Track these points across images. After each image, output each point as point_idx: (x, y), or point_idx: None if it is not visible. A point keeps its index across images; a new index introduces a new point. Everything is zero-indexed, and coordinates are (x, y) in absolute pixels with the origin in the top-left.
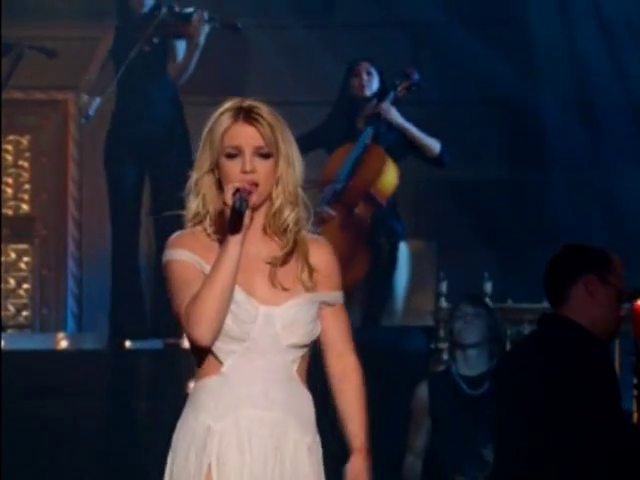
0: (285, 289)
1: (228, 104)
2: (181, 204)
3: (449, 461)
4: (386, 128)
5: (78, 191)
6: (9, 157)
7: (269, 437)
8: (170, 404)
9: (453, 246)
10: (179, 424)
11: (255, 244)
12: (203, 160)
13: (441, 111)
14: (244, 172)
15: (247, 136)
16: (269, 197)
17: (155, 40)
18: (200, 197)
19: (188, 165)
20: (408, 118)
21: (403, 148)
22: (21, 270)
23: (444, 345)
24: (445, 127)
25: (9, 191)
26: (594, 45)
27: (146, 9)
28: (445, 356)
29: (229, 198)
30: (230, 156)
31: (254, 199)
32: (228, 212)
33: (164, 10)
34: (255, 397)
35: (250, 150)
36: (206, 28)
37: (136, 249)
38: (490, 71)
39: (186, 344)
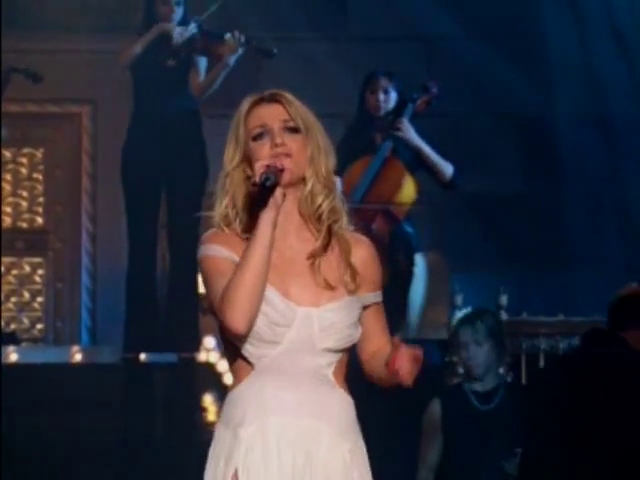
0: (326, 288)
1: (252, 95)
2: (197, 220)
3: (461, 476)
4: (405, 141)
5: (92, 204)
6: (24, 170)
7: (300, 443)
8: (184, 418)
9: (468, 259)
10: (214, 437)
11: (289, 241)
12: (231, 154)
13: (457, 125)
14: (275, 146)
15: (272, 113)
16: (302, 178)
17: (182, 55)
18: (229, 196)
19: (204, 180)
20: (424, 132)
21: (419, 165)
22: (35, 283)
23: (457, 358)
24: (461, 141)
25: (23, 204)
26: (610, 59)
27: (175, 22)
28: (460, 369)
29: (258, 175)
30: (258, 137)
31: (287, 175)
32: (256, 192)
33: (193, 26)
34: (284, 403)
35: (278, 125)
36: (240, 50)
37: (153, 263)
38: (506, 85)
39: (201, 357)
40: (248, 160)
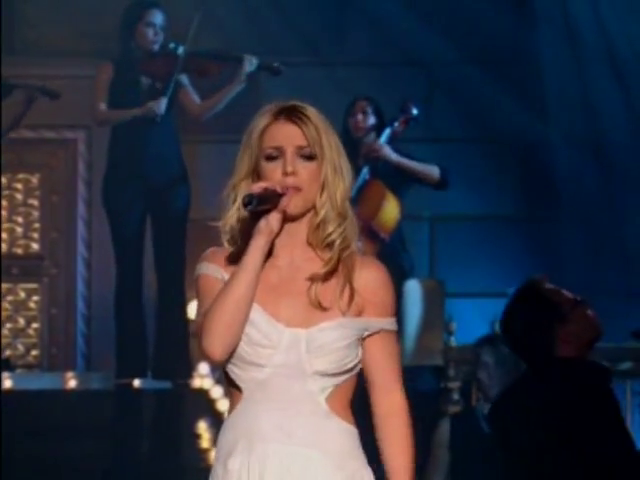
0: (319, 309)
1: (270, 105)
2: (182, 242)
3: None
4: (383, 163)
5: (87, 230)
6: (19, 196)
7: (287, 472)
8: (177, 444)
9: (463, 284)
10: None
11: (292, 260)
12: (241, 165)
13: (454, 150)
14: (285, 174)
15: (289, 135)
16: (313, 206)
17: (166, 78)
18: (235, 208)
19: (187, 205)
20: (418, 155)
21: (404, 180)
22: (30, 309)
23: (454, 384)
24: (457, 166)
25: (19, 230)
26: (606, 85)
27: (157, 46)
28: (456, 396)
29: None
30: (270, 158)
31: (286, 202)
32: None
33: (180, 50)
34: (271, 430)
35: (292, 150)
36: (252, 72)
37: (139, 288)
38: (503, 110)
39: (196, 383)
40: (257, 174)
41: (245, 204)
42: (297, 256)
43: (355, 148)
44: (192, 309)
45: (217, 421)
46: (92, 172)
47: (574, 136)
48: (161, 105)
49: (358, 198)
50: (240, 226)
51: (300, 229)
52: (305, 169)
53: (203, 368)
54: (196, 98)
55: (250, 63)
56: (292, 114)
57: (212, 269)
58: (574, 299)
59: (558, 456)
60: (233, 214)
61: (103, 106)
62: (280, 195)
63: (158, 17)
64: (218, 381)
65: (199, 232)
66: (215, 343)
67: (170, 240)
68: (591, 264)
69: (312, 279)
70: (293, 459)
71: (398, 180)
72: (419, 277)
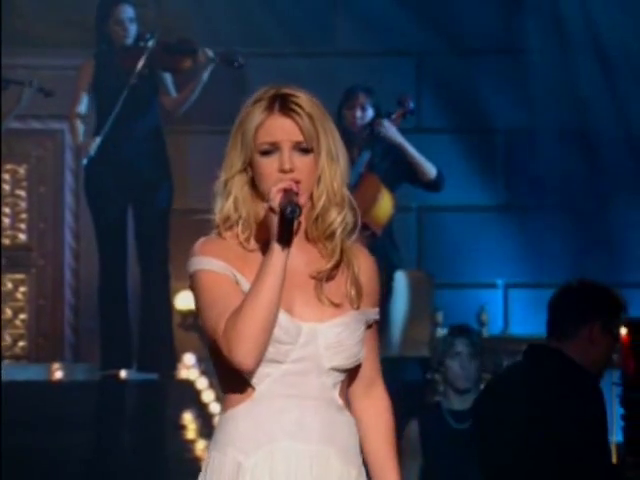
0: (333, 305)
1: (261, 92)
2: (165, 233)
3: None
4: (381, 154)
5: (75, 221)
6: (6, 186)
7: (309, 469)
8: (162, 435)
9: (449, 275)
10: (204, 463)
11: (296, 253)
12: (234, 158)
13: (440, 139)
14: (283, 171)
15: (284, 130)
16: (310, 198)
17: (145, 72)
18: (231, 200)
19: (170, 195)
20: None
21: (398, 176)
22: (18, 300)
23: (439, 376)
24: (444, 155)
25: (6, 221)
26: (592, 75)
27: (130, 40)
28: (441, 387)
29: (277, 203)
30: (265, 153)
31: (302, 201)
32: (275, 219)
33: (151, 42)
34: (290, 427)
35: (288, 146)
36: (211, 65)
37: (123, 279)
38: (488, 101)
39: (182, 374)
40: (252, 167)
41: (288, 214)
42: (300, 251)
43: (348, 138)
44: (181, 301)
45: (202, 412)
46: (79, 163)
47: (560, 127)
48: (93, 146)
49: (353, 191)
50: (254, 216)
51: (300, 228)
52: (302, 163)
53: (188, 359)
54: (172, 92)
55: (206, 56)
56: (286, 106)
57: (218, 266)
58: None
59: (537, 450)
60: (248, 203)
61: (80, 108)
62: (297, 194)
63: (126, 12)
64: (204, 372)
65: (184, 223)
66: (249, 353)
67: (153, 231)
68: (577, 253)
69: (318, 276)
70: (314, 457)
71: (393, 175)
72: (406, 268)
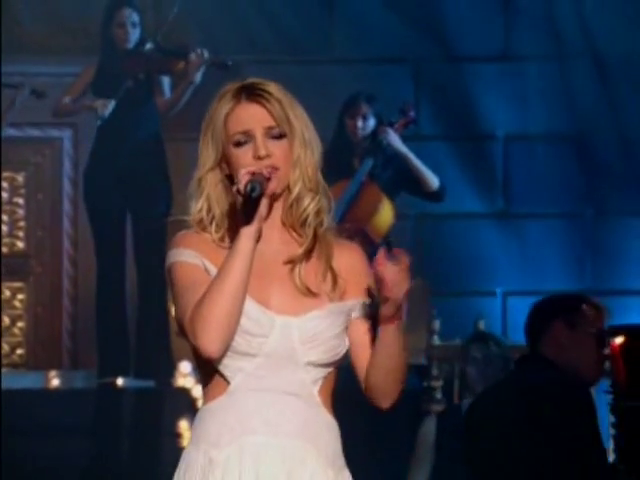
0: (308, 295)
1: (228, 86)
2: (163, 240)
3: None
4: (383, 163)
5: (73, 228)
6: (4, 194)
7: (281, 463)
8: (158, 443)
9: (448, 284)
10: (181, 459)
11: (271, 243)
12: (206, 155)
13: (439, 147)
14: (259, 158)
15: (254, 117)
16: (286, 185)
17: (141, 76)
18: (204, 198)
19: (169, 203)
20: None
21: (399, 185)
22: (16, 308)
23: (437, 383)
24: (442, 163)
25: (4, 228)
26: (586, 79)
27: (131, 45)
28: (438, 395)
29: (243, 184)
30: (239, 144)
31: (273, 185)
32: (240, 202)
33: (149, 46)
34: (264, 421)
35: (261, 132)
36: (203, 67)
37: (121, 287)
38: (486, 107)
39: (179, 382)
40: (226, 161)
41: (249, 192)
42: (276, 239)
43: (350, 147)
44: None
45: None
46: (78, 170)
47: (558, 134)
48: (107, 107)
49: (354, 200)
50: (227, 212)
51: (275, 210)
52: (277, 148)
53: (184, 367)
54: (167, 95)
55: (199, 57)
56: (253, 93)
57: (189, 255)
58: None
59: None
60: (222, 201)
61: (67, 99)
62: (268, 179)
63: (128, 15)
64: (198, 375)
65: (183, 229)
66: (213, 338)
67: (150, 238)
68: (576, 260)
69: (292, 261)
70: (288, 454)
71: (394, 184)
72: None
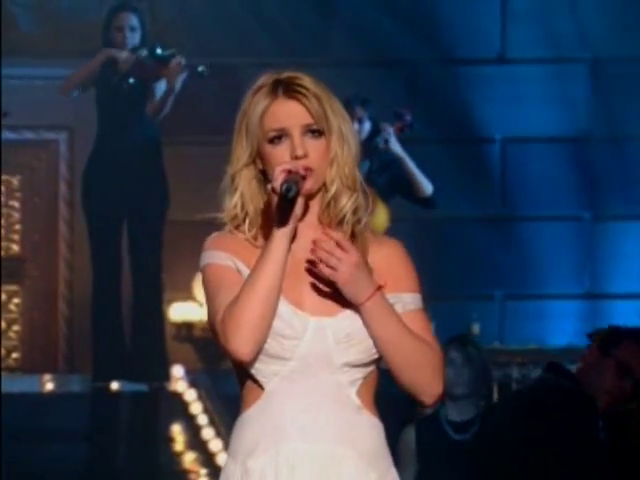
0: (341, 294)
1: (262, 79)
2: (159, 244)
3: None
4: (379, 167)
5: (69, 231)
6: None
7: (318, 472)
8: (152, 447)
9: (444, 288)
10: (221, 473)
11: (306, 242)
12: (240, 151)
13: (434, 150)
14: (295, 158)
15: (292, 114)
16: (323, 183)
17: (130, 80)
18: (238, 195)
19: (165, 207)
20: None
21: (394, 190)
22: (11, 312)
23: None
24: (437, 165)
25: None
26: (585, 85)
27: (128, 48)
28: None
29: (279, 183)
30: (274, 141)
31: (309, 185)
32: (275, 200)
33: (144, 52)
34: (301, 427)
35: (298, 130)
36: (184, 74)
37: (117, 290)
38: (482, 110)
39: (172, 386)
40: (261, 157)
41: (284, 192)
42: (311, 237)
43: None
44: (175, 312)
45: (190, 424)
46: (74, 173)
47: (555, 137)
48: (129, 62)
49: None
50: (261, 210)
51: (311, 209)
52: (314, 148)
53: (177, 371)
54: (154, 101)
55: (177, 66)
56: (290, 89)
57: (221, 257)
58: None
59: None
60: (256, 198)
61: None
62: (303, 177)
63: (127, 20)
64: (192, 384)
65: (180, 233)
66: (245, 341)
67: (147, 242)
68: (575, 264)
69: None
70: (325, 459)
71: (388, 188)
72: None
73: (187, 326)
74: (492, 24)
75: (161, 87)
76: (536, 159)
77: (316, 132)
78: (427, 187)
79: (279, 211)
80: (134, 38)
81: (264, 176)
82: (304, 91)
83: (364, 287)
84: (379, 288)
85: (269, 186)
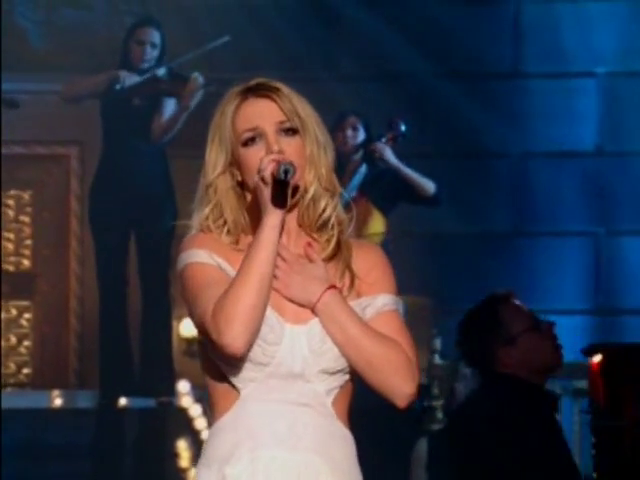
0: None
1: (232, 89)
2: (167, 258)
3: None
4: (373, 177)
5: (80, 246)
6: (10, 212)
7: (294, 478)
8: (159, 463)
9: (448, 302)
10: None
11: (290, 245)
12: (214, 159)
13: (434, 164)
14: (271, 155)
15: (264, 112)
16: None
17: (146, 95)
18: (213, 205)
19: (173, 221)
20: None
21: (395, 197)
22: (22, 327)
23: (438, 403)
24: (438, 180)
25: (10, 247)
26: (586, 95)
27: (146, 64)
28: (439, 414)
29: (269, 171)
30: (249, 143)
31: (298, 175)
32: (267, 190)
33: (162, 70)
34: (277, 434)
35: (272, 128)
36: (200, 93)
37: (124, 306)
38: (486, 125)
39: (178, 402)
40: (237, 164)
41: (282, 173)
42: (292, 241)
43: (340, 162)
44: (185, 327)
45: (196, 440)
46: (84, 188)
47: (552, 147)
48: (130, 79)
49: None
50: (240, 220)
51: (291, 213)
52: (290, 145)
53: (183, 386)
54: (162, 119)
55: (194, 84)
56: (260, 89)
57: (202, 255)
58: (530, 323)
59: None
60: (235, 209)
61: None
62: (292, 164)
63: (150, 35)
64: (198, 400)
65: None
66: (238, 333)
67: (154, 256)
68: (583, 278)
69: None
70: (301, 468)
71: (385, 197)
72: (405, 294)
73: (198, 341)
74: (504, 39)
75: (169, 103)
76: (547, 174)
77: (290, 131)
78: (429, 186)
79: (274, 194)
80: (152, 54)
81: (242, 187)
82: (275, 90)
83: (312, 290)
84: (330, 287)
85: (256, 177)
